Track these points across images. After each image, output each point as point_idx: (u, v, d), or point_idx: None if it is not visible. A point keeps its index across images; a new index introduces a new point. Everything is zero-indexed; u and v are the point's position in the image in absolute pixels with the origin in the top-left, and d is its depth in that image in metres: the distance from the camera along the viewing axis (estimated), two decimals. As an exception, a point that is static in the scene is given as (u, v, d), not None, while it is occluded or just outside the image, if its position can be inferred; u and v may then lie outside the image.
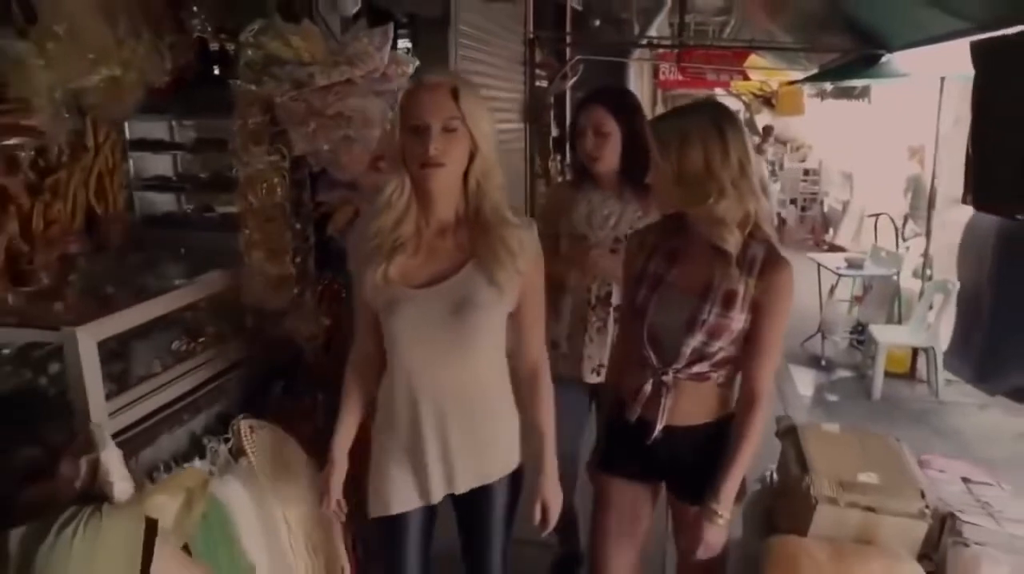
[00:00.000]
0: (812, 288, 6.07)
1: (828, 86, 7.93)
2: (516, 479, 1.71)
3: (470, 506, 1.68)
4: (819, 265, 5.96)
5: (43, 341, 1.71)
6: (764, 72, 7.95)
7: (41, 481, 1.50)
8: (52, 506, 1.42)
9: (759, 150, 12.39)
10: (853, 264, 5.72)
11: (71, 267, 2.09)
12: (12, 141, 1.59)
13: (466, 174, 1.52)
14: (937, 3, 3.12)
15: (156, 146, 2.65)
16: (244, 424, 1.96)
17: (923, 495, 1.84)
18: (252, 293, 2.15)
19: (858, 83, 6.82)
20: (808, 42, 5.58)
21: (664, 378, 1.66)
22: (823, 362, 5.56)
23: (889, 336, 5.06)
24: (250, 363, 2.20)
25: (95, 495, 1.52)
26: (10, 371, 1.72)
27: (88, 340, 1.64)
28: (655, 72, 9.06)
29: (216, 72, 2.45)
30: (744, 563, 2.00)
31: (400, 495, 1.63)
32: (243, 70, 2.07)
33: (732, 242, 1.57)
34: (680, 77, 7.88)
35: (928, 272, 5.22)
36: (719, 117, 1.55)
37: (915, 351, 5.18)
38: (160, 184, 2.67)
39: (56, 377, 1.71)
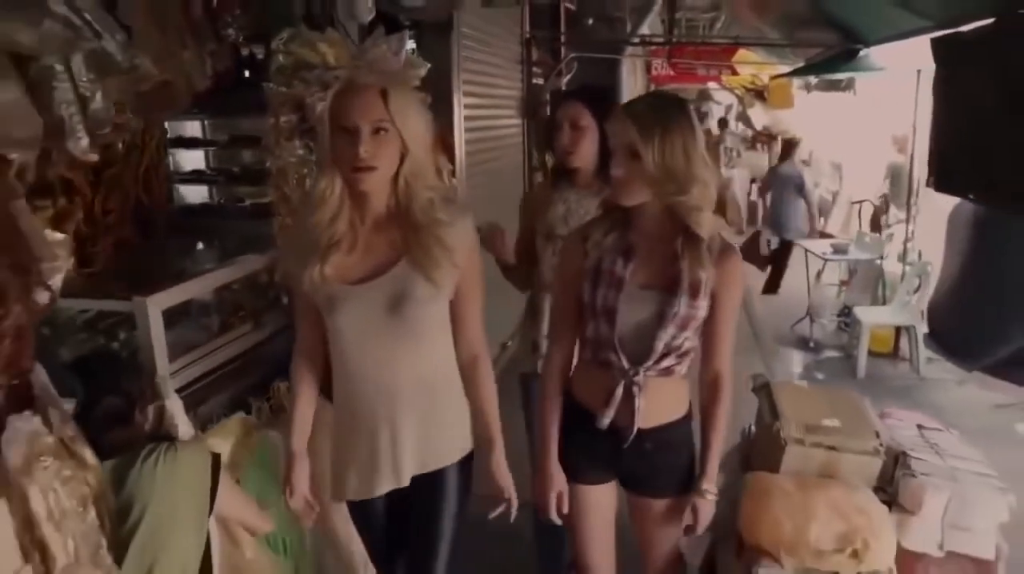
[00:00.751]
0: (800, 273, 6.34)
1: (814, 79, 8.19)
2: (466, 466, 1.72)
3: (423, 492, 1.68)
4: (806, 251, 6.22)
5: (113, 310, 1.99)
6: (755, 66, 8.20)
7: (120, 425, 1.77)
8: (131, 444, 1.68)
9: (752, 144, 12.67)
10: (838, 250, 5.98)
11: (125, 251, 2.36)
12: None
13: (396, 174, 1.51)
14: (902, 3, 3.38)
15: (192, 143, 2.92)
16: (283, 386, 2.24)
17: (878, 435, 2.11)
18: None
19: (842, 76, 7.09)
20: (792, 37, 5.84)
21: (635, 378, 1.65)
22: (811, 344, 5.81)
23: (872, 316, 5.32)
24: (285, 334, 2.47)
25: (162, 436, 1.80)
26: (85, 338, 1.99)
27: (155, 308, 1.91)
28: (647, 68, 9.32)
29: (247, 76, 2.72)
30: (724, 503, 2.27)
31: (354, 484, 1.65)
32: (275, 74, 2.34)
33: (706, 227, 1.60)
34: (672, 72, 8.14)
35: (910, 256, 5.48)
36: (687, 109, 1.60)
37: (898, 331, 5.44)
38: (195, 178, 2.94)
39: (126, 341, 1.99)
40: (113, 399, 1.77)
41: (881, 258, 5.79)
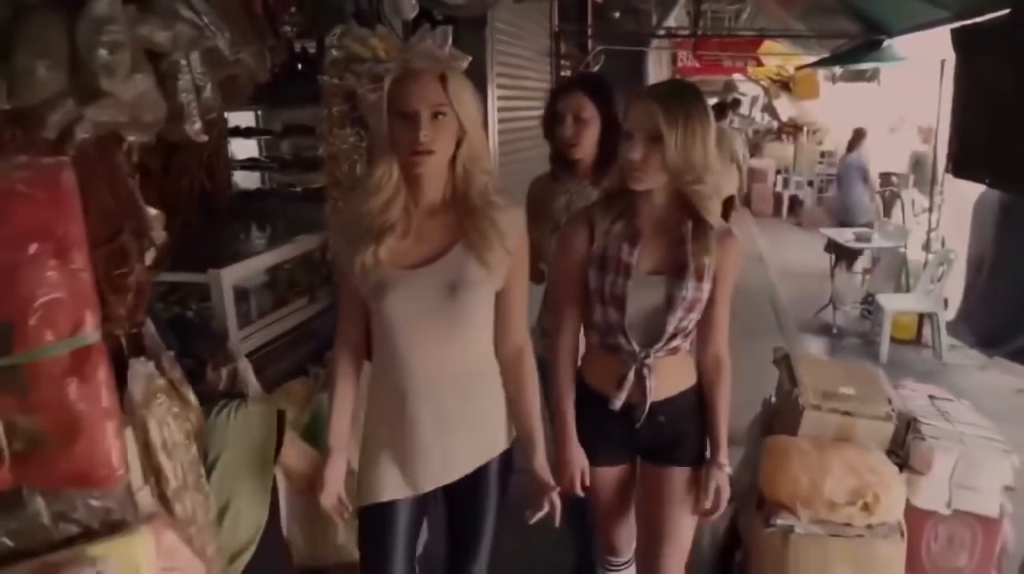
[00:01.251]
0: (824, 261, 6.42)
1: (839, 70, 8.24)
2: (506, 461, 1.69)
3: (462, 490, 1.64)
4: (829, 239, 6.30)
5: (186, 282, 2.20)
6: (780, 58, 8.27)
7: (196, 384, 1.98)
8: (206, 400, 1.88)
9: (778, 135, 12.69)
10: (861, 238, 6.05)
11: (192, 231, 2.57)
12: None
13: (453, 158, 1.51)
14: (923, -6, 3.49)
15: (248, 132, 3.13)
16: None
17: (890, 402, 2.27)
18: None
19: (867, 66, 7.15)
20: (816, 28, 5.93)
21: (646, 361, 1.68)
22: (834, 330, 5.88)
23: (895, 303, 5.40)
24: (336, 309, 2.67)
25: (234, 395, 2.00)
26: (162, 307, 2.20)
27: (228, 280, 2.11)
28: (673, 60, 9.42)
29: (299, 69, 2.92)
30: (745, 465, 2.43)
31: (392, 482, 1.59)
32: (329, 67, 2.53)
33: (714, 215, 1.64)
34: (697, 64, 8.22)
35: (934, 245, 5.55)
36: (703, 99, 1.62)
37: (920, 318, 5.51)
38: (251, 164, 3.15)
39: (198, 311, 2.20)
40: (187, 360, 1.97)
41: (904, 246, 5.86)
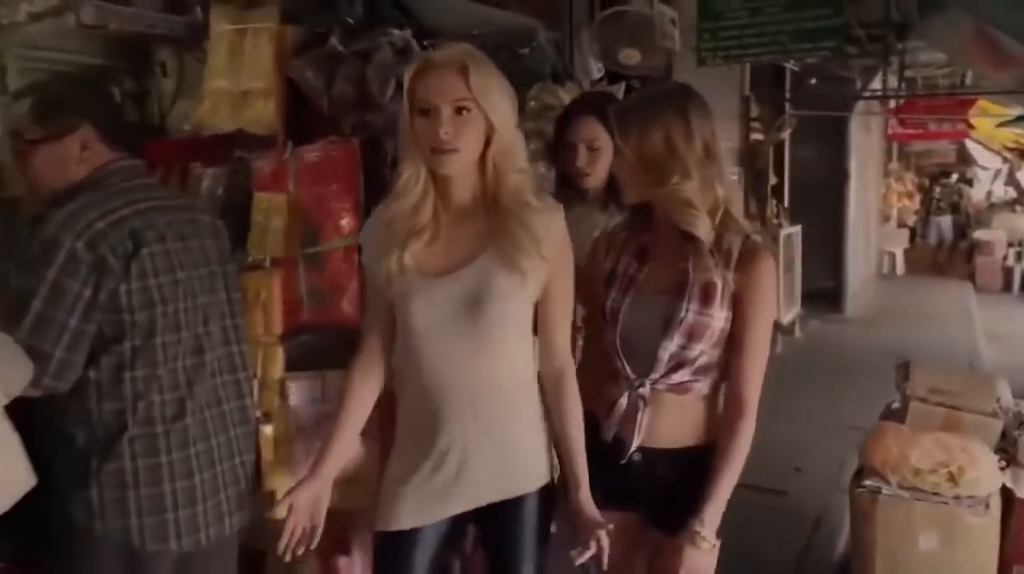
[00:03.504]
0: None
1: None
2: (547, 498, 1.52)
3: (495, 525, 1.51)
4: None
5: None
6: (993, 118, 7.89)
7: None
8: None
9: (1012, 206, 11.74)
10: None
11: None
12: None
13: (483, 157, 1.39)
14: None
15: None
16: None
17: (998, 401, 2.46)
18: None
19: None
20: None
21: (641, 390, 1.51)
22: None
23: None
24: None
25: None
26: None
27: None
28: (885, 126, 9.30)
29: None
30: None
31: (413, 507, 1.46)
32: (528, 114, 3.31)
33: (702, 228, 1.45)
34: (903, 130, 8.09)
35: None
36: (684, 100, 1.47)
37: None
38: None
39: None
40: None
41: None
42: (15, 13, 2.12)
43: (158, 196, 1.54)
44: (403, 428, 1.52)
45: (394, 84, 1.92)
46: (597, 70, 3.54)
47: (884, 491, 2.31)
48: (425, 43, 2.23)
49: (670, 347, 1.48)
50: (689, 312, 1.46)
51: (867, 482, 2.34)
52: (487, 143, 1.38)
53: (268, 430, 1.79)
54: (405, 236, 1.40)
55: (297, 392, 1.80)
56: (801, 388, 5.45)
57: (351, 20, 2.05)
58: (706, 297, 1.46)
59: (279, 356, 1.83)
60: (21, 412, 1.27)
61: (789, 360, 6.30)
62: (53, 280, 1.32)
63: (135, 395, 1.40)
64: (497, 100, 1.37)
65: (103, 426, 1.39)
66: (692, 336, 1.47)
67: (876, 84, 7.64)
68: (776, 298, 1.54)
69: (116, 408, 1.39)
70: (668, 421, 1.52)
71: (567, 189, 2.12)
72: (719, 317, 1.47)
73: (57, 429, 1.41)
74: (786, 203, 7.50)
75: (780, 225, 6.91)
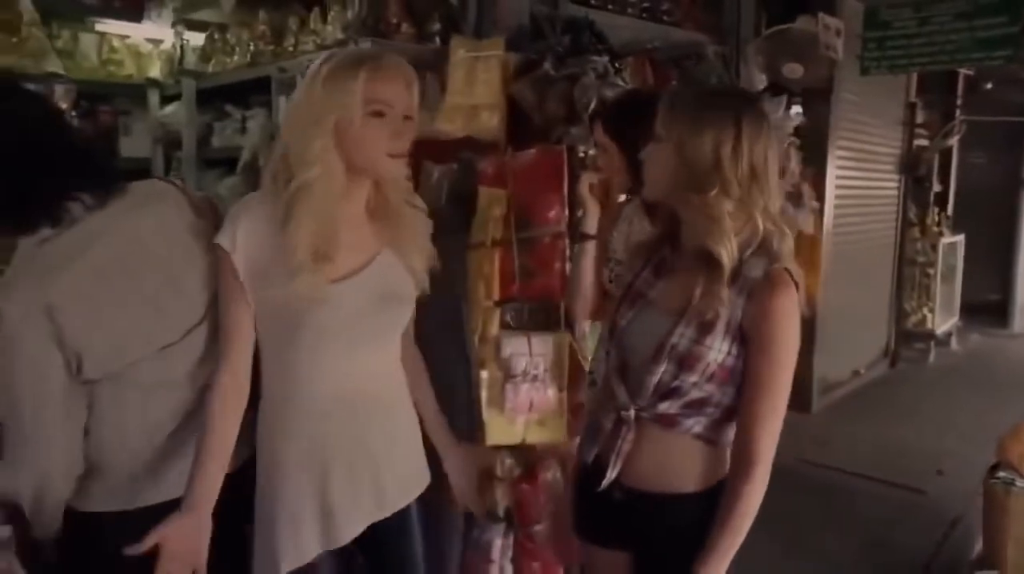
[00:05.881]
0: None
1: None
2: (423, 503, 1.56)
3: (386, 539, 1.49)
4: None
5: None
6: None
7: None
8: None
9: None
10: None
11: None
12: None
13: None
14: None
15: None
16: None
17: None
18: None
19: None
20: None
21: (624, 414, 1.38)
22: None
23: None
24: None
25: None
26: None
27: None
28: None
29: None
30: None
31: (311, 537, 1.38)
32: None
33: (726, 251, 1.29)
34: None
35: None
36: (741, 110, 1.31)
37: None
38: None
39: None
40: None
41: None
42: (305, 44, 2.75)
43: None
44: (284, 453, 1.39)
45: (596, 102, 2.36)
46: (761, 81, 3.80)
47: (1017, 483, 2.49)
48: (617, 64, 2.67)
49: (657, 372, 1.34)
50: (683, 338, 1.33)
51: (1001, 474, 2.53)
52: None
53: (484, 374, 2.28)
54: (324, 240, 1.32)
55: (508, 346, 2.28)
56: (952, 399, 5.43)
57: (560, 48, 2.52)
58: (705, 326, 1.31)
59: (496, 317, 2.32)
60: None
61: (941, 371, 6.22)
62: None
63: None
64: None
65: None
66: (683, 365, 1.32)
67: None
68: (797, 334, 1.30)
69: None
70: (651, 458, 1.39)
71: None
72: (717, 349, 1.31)
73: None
74: (950, 211, 7.28)
75: (941, 233, 6.76)
